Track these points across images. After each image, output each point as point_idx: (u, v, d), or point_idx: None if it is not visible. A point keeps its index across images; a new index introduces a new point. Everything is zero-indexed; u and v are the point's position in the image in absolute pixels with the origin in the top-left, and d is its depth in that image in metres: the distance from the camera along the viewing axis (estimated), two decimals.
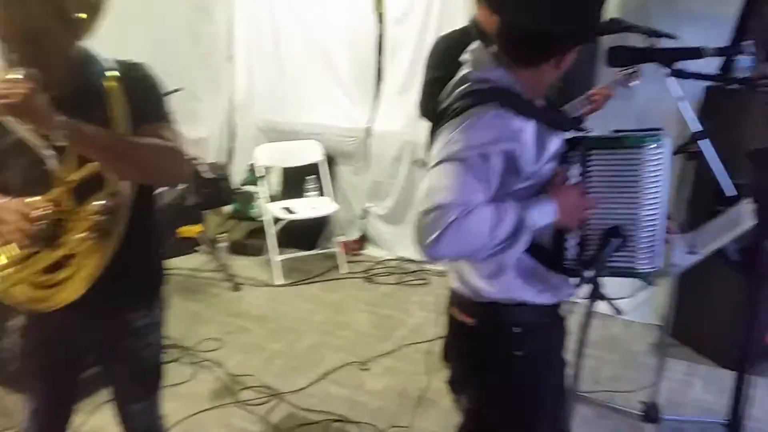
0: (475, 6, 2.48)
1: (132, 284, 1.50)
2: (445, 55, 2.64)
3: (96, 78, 1.34)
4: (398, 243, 4.26)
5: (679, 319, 3.17)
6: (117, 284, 1.37)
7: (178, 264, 4.11)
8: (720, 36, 3.12)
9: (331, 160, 4.40)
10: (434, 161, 1.23)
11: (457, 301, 1.48)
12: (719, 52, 1.25)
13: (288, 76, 4.48)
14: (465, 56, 1.35)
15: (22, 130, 1.28)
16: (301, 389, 2.76)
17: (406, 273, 4.02)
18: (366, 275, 4.03)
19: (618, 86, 2.55)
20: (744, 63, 2.69)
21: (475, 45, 1.34)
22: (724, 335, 2.86)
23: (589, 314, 1.04)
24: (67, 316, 1.42)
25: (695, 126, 2.03)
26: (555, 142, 1.30)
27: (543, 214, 1.25)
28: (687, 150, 2.06)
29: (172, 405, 2.62)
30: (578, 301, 3.89)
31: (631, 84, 2.55)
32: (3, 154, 1.35)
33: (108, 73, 1.34)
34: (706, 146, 2.03)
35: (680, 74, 1.27)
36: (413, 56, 3.95)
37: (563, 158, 1.31)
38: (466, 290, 1.43)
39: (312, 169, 4.22)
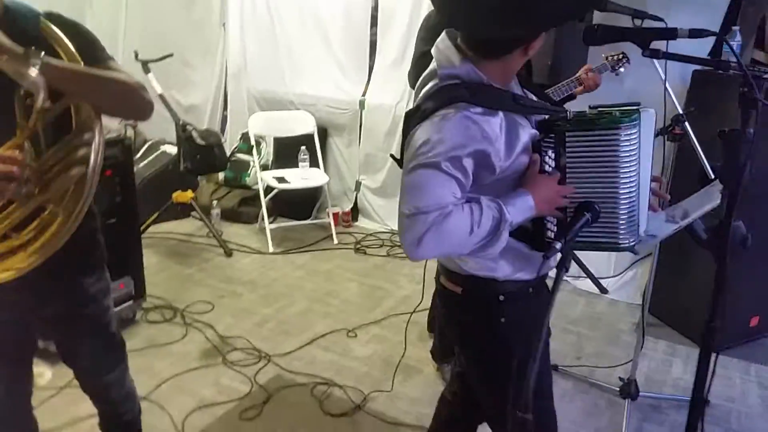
0: None
1: (83, 250, 1.50)
2: (435, 29, 2.67)
3: (31, 26, 1.28)
4: (390, 216, 4.32)
5: (661, 299, 3.25)
6: (69, 250, 1.33)
7: (172, 228, 4.17)
8: (714, 21, 3.16)
9: (324, 132, 4.44)
10: (408, 165, 1.27)
11: (444, 269, 1.53)
12: (694, 33, 1.28)
13: (282, 45, 4.48)
14: (433, 50, 1.35)
15: None
16: (289, 353, 2.84)
17: (396, 245, 4.07)
18: (357, 246, 4.10)
19: (605, 71, 2.57)
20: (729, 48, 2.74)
21: (442, 37, 1.34)
22: (704, 316, 2.96)
23: (556, 285, 1.08)
24: (22, 288, 1.36)
25: (678, 108, 2.10)
26: (527, 131, 1.32)
27: (521, 210, 1.29)
28: (670, 132, 2.12)
29: (162, 363, 2.72)
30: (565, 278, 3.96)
31: (618, 69, 2.58)
32: None
33: (42, 20, 1.29)
34: (687, 129, 2.09)
35: (655, 54, 1.30)
36: (407, 29, 3.97)
37: (537, 145, 1.34)
38: (451, 264, 1.48)
39: (305, 140, 4.26)
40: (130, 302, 2.94)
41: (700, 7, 3.12)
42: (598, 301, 3.51)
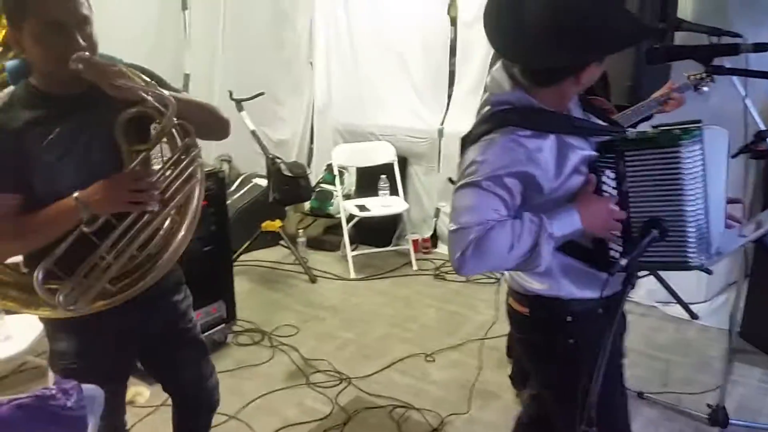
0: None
1: (171, 271, 1.60)
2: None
3: None
4: None
5: (756, 324, 3.07)
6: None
7: (260, 256, 4.40)
8: None
9: (404, 161, 4.56)
10: (457, 185, 1.33)
11: (512, 291, 1.55)
12: (759, 48, 1.25)
13: (364, 79, 4.68)
14: (488, 78, 1.41)
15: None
16: (369, 376, 2.91)
17: None
18: (436, 272, 4.14)
19: (687, 90, 2.49)
20: None
21: (496, 67, 1.40)
22: None
23: (622, 301, 1.09)
24: (127, 310, 1.46)
25: (760, 124, 2.01)
26: (579, 153, 1.34)
27: (565, 224, 1.30)
28: (753, 149, 2.04)
29: (250, 384, 2.87)
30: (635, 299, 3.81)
31: (702, 88, 2.44)
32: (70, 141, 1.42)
33: (125, 64, 1.45)
34: None
35: (718, 71, 1.28)
36: (485, 58, 4.02)
37: (594, 165, 1.34)
38: (517, 281, 1.51)
39: (385, 168, 4.39)
40: (222, 326, 3.13)
41: None
42: (688, 327, 3.34)
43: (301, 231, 4.47)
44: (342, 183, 4.55)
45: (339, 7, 4.69)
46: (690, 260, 1.31)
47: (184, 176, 1.42)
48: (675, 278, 3.30)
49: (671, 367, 2.96)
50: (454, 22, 4.29)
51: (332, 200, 4.71)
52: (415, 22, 4.37)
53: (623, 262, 1.19)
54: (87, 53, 1.33)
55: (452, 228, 1.31)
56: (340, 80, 4.84)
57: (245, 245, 4.24)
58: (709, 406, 2.44)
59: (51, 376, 2.40)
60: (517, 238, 1.27)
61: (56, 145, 1.39)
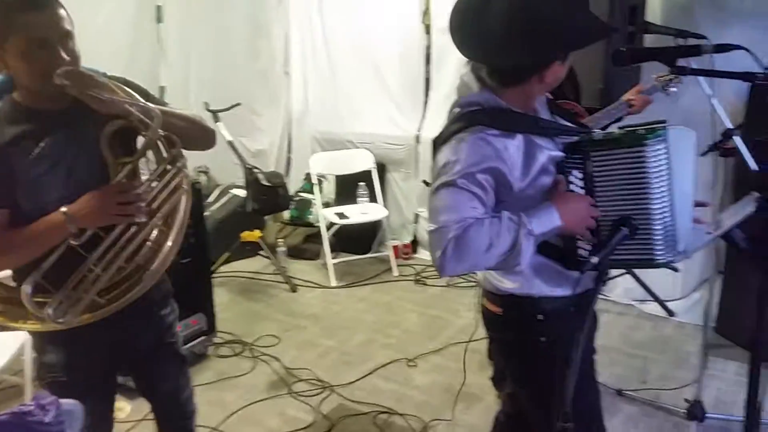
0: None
1: (158, 285, 1.61)
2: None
3: None
4: None
5: (731, 319, 3.13)
6: (151, 286, 1.47)
7: (241, 267, 4.38)
8: None
9: (382, 167, 4.57)
10: (432, 186, 1.36)
11: (485, 291, 1.57)
12: (719, 48, 1.29)
13: (341, 88, 4.70)
14: (458, 83, 1.45)
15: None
16: (352, 383, 2.91)
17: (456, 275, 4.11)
18: (417, 278, 4.16)
19: (656, 92, 2.50)
20: None
21: (465, 70, 1.44)
22: None
23: (594, 299, 1.11)
24: (112, 326, 1.46)
25: (727, 123, 2.07)
26: (546, 153, 1.37)
27: (544, 222, 1.32)
28: (721, 147, 2.09)
29: (232, 395, 2.85)
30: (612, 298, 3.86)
31: (669, 89, 2.48)
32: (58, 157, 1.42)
33: (108, 77, 1.46)
34: (738, 143, 2.05)
35: (683, 71, 1.32)
36: (459, 64, 4.06)
37: (561, 165, 1.37)
38: (489, 281, 1.53)
39: (364, 176, 4.40)
40: (203, 338, 3.11)
41: (758, 19, 3.05)
42: (665, 324, 3.40)
43: (281, 240, 4.46)
44: (321, 191, 4.55)
45: (314, 17, 4.70)
46: (657, 258, 1.34)
47: (171, 187, 1.43)
48: (651, 276, 3.37)
49: (649, 364, 3.01)
50: (428, 29, 4.33)
51: (311, 209, 4.71)
52: (390, 30, 4.40)
53: (594, 260, 1.22)
54: (71, 66, 1.34)
55: (431, 228, 1.32)
56: (316, 89, 4.85)
57: (225, 256, 4.22)
58: (686, 401, 2.47)
59: (29, 393, 2.38)
60: (496, 235, 1.29)
61: (42, 160, 1.40)
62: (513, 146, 1.33)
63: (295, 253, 4.54)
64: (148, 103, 1.39)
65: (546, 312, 1.46)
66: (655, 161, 1.29)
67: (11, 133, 1.39)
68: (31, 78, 1.36)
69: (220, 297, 3.88)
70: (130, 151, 1.47)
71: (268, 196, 3.96)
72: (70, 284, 1.37)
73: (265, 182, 3.91)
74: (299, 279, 4.17)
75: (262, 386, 2.93)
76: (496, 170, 1.31)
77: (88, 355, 1.53)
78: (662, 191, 1.31)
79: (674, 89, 2.51)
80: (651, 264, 1.37)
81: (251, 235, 4.25)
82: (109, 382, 1.69)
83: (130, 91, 1.43)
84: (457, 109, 1.42)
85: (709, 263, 3.35)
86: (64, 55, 1.34)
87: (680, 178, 1.34)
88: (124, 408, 2.64)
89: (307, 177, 4.73)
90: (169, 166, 1.44)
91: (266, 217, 4.84)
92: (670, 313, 3.45)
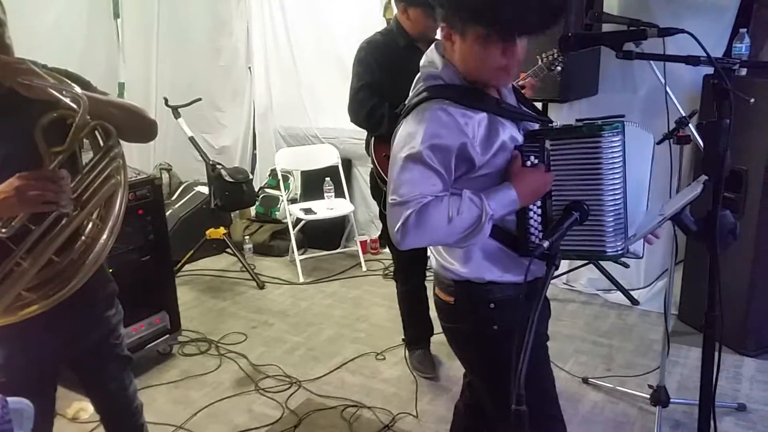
0: (392, 7, 2.52)
1: (103, 285, 1.62)
2: (368, 61, 2.72)
3: None
4: None
5: (693, 306, 3.20)
6: (94, 286, 1.46)
7: (206, 265, 4.32)
8: (723, 26, 3.16)
9: (348, 163, 4.56)
10: (396, 155, 1.35)
11: (438, 281, 1.57)
12: (662, 32, 1.31)
13: (304, 83, 4.66)
14: (423, 58, 1.46)
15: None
16: (319, 377, 2.89)
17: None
18: (385, 272, 4.15)
19: (542, 73, 2.42)
20: (738, 50, 2.75)
21: (432, 47, 1.45)
22: (737, 321, 2.89)
23: (546, 284, 1.11)
24: (54, 320, 1.42)
25: (681, 110, 2.11)
26: (508, 132, 1.38)
27: (503, 203, 1.33)
28: (675, 135, 2.13)
29: (197, 393, 2.81)
30: (577, 288, 3.89)
31: (556, 68, 2.41)
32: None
33: (48, 68, 1.43)
34: (692, 129, 2.10)
35: (628, 56, 1.34)
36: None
37: (520, 149, 1.38)
38: (443, 270, 1.52)
39: (330, 171, 4.38)
40: (167, 336, 3.05)
41: (710, 11, 3.13)
42: (630, 312, 3.47)
43: (247, 237, 4.41)
44: (287, 187, 4.52)
45: (276, 12, 4.65)
46: (607, 250, 1.35)
47: (101, 178, 1.39)
48: (615, 266, 3.42)
49: (614, 352, 3.05)
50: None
51: (278, 205, 4.67)
52: (353, 24, 4.37)
53: (545, 244, 1.22)
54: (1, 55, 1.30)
55: (392, 200, 1.32)
56: (280, 84, 4.80)
57: (189, 254, 4.15)
58: (650, 386, 2.52)
59: None
60: (457, 212, 1.29)
61: None
62: (476, 119, 1.34)
63: (262, 250, 4.49)
64: (77, 90, 1.34)
65: (497, 300, 1.46)
66: (609, 152, 1.30)
67: None
68: None
69: (186, 295, 3.82)
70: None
71: (232, 192, 3.91)
72: None
73: (228, 178, 3.87)
74: (267, 276, 4.13)
75: (228, 383, 2.89)
76: (458, 144, 1.32)
77: (27, 356, 1.50)
78: (615, 182, 1.32)
79: (560, 68, 2.43)
80: (601, 255, 1.38)
81: (216, 233, 4.19)
82: (50, 382, 1.65)
83: (64, 79, 1.38)
84: (421, 84, 1.43)
85: (671, 252, 3.42)
86: None
87: (635, 172, 1.37)
88: (86, 408, 2.59)
89: (273, 173, 4.69)
90: (102, 157, 1.41)
91: (232, 214, 4.78)
92: (634, 301, 3.52)
